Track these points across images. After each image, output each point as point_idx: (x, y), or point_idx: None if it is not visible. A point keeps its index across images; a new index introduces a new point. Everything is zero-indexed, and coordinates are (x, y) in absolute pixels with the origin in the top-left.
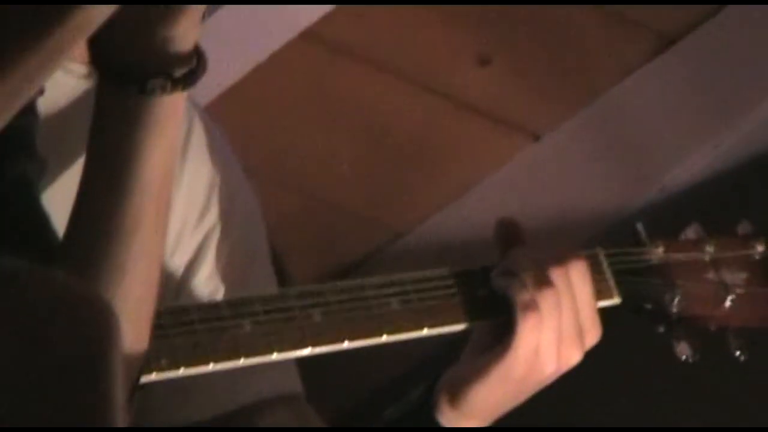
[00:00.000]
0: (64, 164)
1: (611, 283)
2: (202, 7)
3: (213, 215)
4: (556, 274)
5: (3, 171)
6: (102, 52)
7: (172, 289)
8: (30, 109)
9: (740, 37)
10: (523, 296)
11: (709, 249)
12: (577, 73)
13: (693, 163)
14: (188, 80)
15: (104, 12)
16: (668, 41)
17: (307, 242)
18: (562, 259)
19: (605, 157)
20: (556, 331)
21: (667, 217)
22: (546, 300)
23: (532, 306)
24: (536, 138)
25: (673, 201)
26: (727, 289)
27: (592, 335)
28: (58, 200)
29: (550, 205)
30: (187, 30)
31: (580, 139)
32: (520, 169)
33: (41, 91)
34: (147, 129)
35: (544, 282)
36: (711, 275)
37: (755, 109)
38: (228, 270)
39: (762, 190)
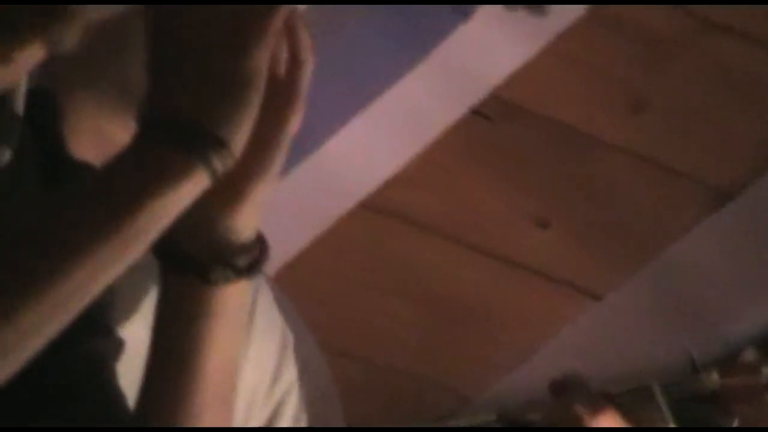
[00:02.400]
0: (138, 342)
1: (666, 413)
2: (263, 196)
3: (285, 384)
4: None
5: (75, 348)
6: (163, 242)
7: None
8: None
9: None
10: None
11: (766, 371)
12: (635, 231)
13: (755, 316)
14: (251, 269)
15: (179, 204)
16: (724, 196)
17: (372, 410)
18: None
19: (667, 314)
20: None
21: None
22: None
23: None
24: (597, 298)
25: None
26: None
27: None
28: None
29: (614, 365)
30: (248, 219)
31: (641, 298)
32: (583, 330)
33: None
34: (210, 318)
35: None
36: None
37: None
38: None
39: None
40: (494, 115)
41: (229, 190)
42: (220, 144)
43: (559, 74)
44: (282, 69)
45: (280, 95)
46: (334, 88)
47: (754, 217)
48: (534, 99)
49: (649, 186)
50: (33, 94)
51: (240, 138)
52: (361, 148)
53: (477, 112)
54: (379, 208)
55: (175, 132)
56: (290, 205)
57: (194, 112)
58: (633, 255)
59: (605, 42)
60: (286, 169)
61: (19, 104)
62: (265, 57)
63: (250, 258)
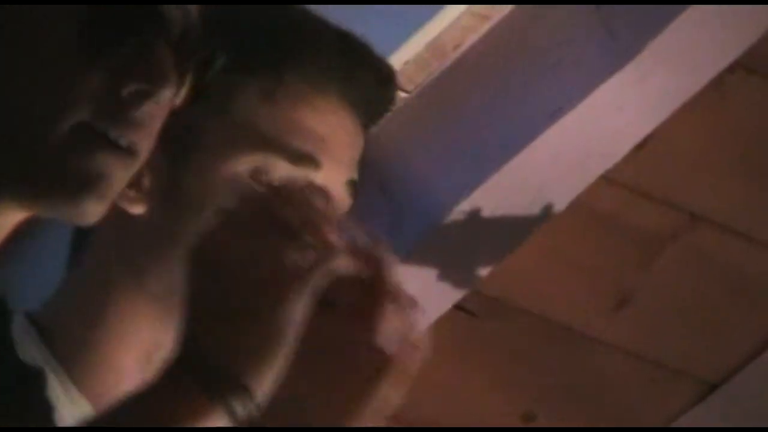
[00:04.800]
0: None
1: None
2: None
3: None
4: None
5: None
6: None
7: None
8: None
9: None
10: None
11: None
12: (621, 423)
13: None
14: None
15: None
16: (710, 387)
17: None
18: None
19: None
20: None
21: None
22: None
23: None
24: None
25: None
26: None
27: None
28: None
29: None
30: None
31: None
32: None
33: None
34: None
35: None
36: None
37: None
38: None
39: None
40: (478, 311)
41: None
42: (243, 390)
43: (543, 269)
44: None
45: None
46: None
47: (740, 406)
48: (518, 294)
49: (635, 379)
50: None
51: (264, 386)
52: None
53: (461, 308)
54: None
55: (199, 372)
56: None
57: (222, 356)
58: None
59: (588, 236)
60: None
61: None
62: (300, 311)
63: None
